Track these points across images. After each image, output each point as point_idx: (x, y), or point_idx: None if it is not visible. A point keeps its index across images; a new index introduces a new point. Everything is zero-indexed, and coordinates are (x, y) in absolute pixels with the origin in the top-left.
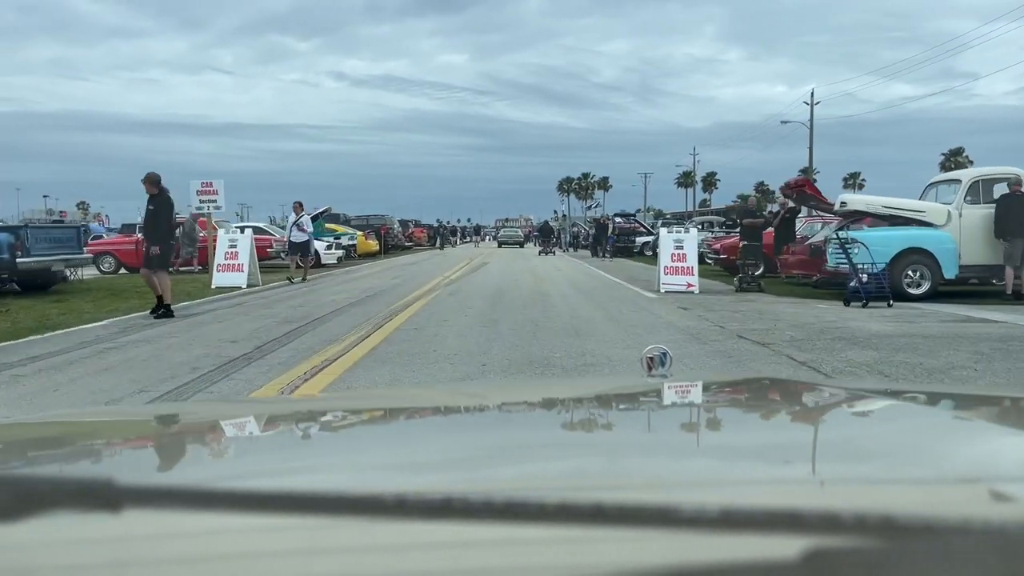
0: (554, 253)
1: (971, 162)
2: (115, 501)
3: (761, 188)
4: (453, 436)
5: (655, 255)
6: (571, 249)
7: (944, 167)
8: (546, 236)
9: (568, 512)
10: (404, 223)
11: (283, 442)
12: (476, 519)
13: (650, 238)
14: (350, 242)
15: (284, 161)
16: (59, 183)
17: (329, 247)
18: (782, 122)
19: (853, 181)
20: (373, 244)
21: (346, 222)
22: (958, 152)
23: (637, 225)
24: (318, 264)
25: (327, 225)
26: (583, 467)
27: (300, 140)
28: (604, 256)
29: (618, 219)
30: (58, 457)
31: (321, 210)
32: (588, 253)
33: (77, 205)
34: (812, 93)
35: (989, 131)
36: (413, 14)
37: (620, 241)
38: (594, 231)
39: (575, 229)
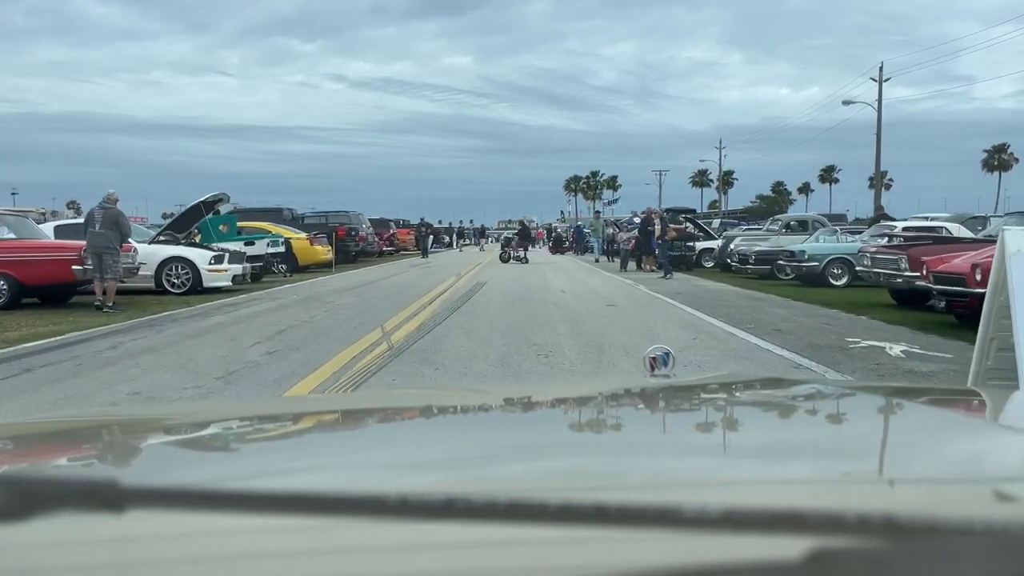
0: (525, 261)
1: (1016, 160)
2: (118, 501)
3: (779, 188)
4: (455, 436)
5: (730, 268)
6: (605, 257)
7: (987, 165)
8: (523, 239)
9: (570, 512)
10: (384, 223)
11: (286, 442)
12: (478, 519)
13: (713, 244)
14: (273, 250)
15: (289, 163)
16: (63, 184)
17: (217, 260)
18: (844, 102)
19: (880, 181)
20: (322, 251)
21: (296, 220)
22: (1002, 148)
23: (687, 225)
24: (195, 289)
25: (240, 224)
26: (585, 467)
27: (305, 142)
28: (652, 270)
29: (670, 215)
30: (61, 457)
31: (206, 199)
32: (629, 265)
33: (67, 204)
34: (880, 68)
35: (989, 135)
36: (418, 16)
37: (676, 248)
38: (637, 232)
39: (610, 231)
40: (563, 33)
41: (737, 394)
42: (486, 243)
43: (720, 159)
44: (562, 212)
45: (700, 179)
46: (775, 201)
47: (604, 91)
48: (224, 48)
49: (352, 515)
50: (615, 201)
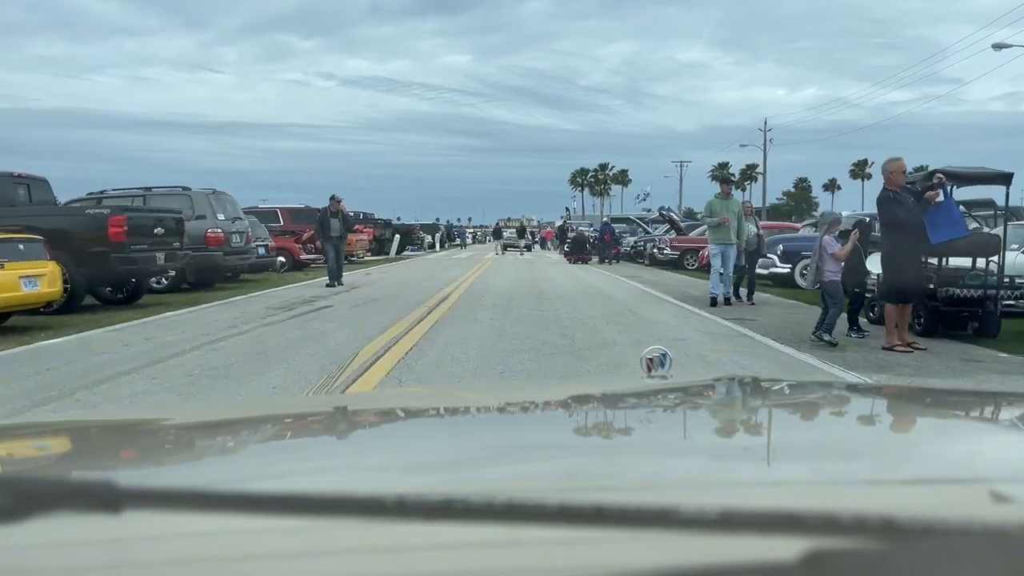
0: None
1: None
2: (115, 502)
3: (802, 184)
4: (453, 437)
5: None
6: (736, 295)
7: None
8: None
9: (568, 513)
10: (309, 214)
11: (284, 443)
12: (476, 520)
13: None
14: None
15: (282, 160)
16: (58, 179)
17: None
18: (994, 46)
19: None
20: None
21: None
22: None
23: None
24: None
25: None
26: (583, 468)
27: (299, 139)
28: (917, 346)
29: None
30: (58, 458)
31: None
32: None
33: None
34: None
35: (977, 137)
36: (415, 14)
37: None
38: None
39: (753, 228)
40: (559, 33)
41: (734, 394)
42: (465, 244)
43: (765, 148)
44: (567, 208)
45: (720, 173)
46: (801, 198)
47: (595, 91)
48: (222, 44)
49: (350, 516)
50: (646, 197)
